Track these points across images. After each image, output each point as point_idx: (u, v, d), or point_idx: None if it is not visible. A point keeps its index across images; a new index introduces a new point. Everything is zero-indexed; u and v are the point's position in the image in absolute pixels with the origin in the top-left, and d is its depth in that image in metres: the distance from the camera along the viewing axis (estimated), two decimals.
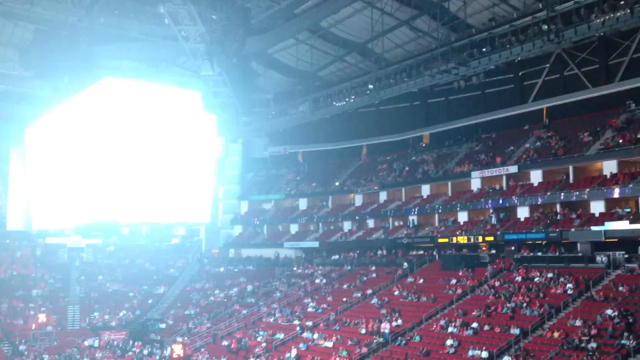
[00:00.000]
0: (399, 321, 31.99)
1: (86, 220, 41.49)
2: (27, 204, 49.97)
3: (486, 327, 28.53)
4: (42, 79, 46.32)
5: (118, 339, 41.17)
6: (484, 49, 34.81)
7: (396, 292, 36.07)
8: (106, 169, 40.30)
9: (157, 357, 36.97)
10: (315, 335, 33.74)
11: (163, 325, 43.26)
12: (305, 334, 34.37)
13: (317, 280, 43.14)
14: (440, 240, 40.03)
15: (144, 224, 53.42)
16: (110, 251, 55.58)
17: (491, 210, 38.69)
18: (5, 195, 53.89)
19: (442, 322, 30.27)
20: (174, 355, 31.82)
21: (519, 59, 36.29)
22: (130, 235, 58.41)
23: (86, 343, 39.97)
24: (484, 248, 38.07)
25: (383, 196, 48.61)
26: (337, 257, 46.94)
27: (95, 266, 51.93)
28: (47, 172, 46.43)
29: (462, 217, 41.01)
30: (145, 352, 38.11)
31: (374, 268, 41.94)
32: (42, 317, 39.15)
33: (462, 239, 38.19)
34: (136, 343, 40.26)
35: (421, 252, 42.05)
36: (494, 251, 37.67)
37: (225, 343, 36.66)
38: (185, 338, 38.02)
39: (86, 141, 39.77)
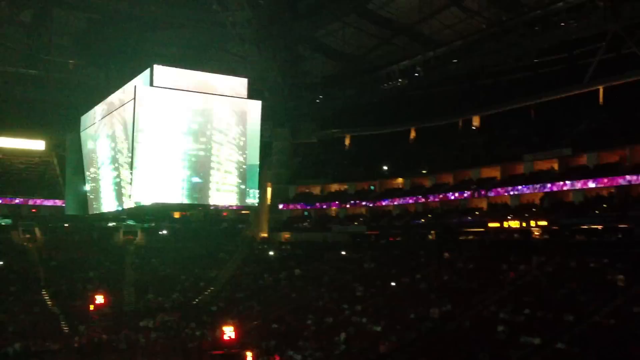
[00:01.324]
0: (449, 306, 31.69)
1: (139, 205, 42.66)
2: (83, 190, 51.65)
3: (539, 313, 27.97)
4: (96, 67, 47.64)
5: (171, 320, 42.26)
6: (536, 28, 33.74)
7: (445, 277, 35.73)
8: (156, 154, 41.20)
9: (209, 338, 37.74)
10: (364, 320, 33.79)
11: (214, 308, 44.16)
12: (354, 318, 34.46)
13: (366, 265, 43.12)
14: (490, 224, 39.36)
15: (195, 209, 54.68)
16: (162, 235, 56.96)
17: (544, 194, 37.75)
18: (64, 181, 55.72)
19: (492, 308, 29.85)
20: (225, 337, 32.33)
21: (573, 37, 35.00)
22: (182, 220, 59.97)
23: (141, 324, 41.16)
24: (536, 233, 37.22)
25: (431, 180, 48.07)
26: (385, 241, 46.78)
27: (148, 250, 53.28)
28: (101, 158, 47.84)
29: (514, 201, 40.17)
30: (198, 333, 38.97)
31: (422, 252, 41.60)
32: (99, 299, 40.40)
33: (514, 224, 37.47)
34: (188, 324, 41.24)
35: (471, 236, 41.46)
36: (546, 236, 36.79)
37: (274, 326, 37.14)
38: (236, 320, 38.64)
39: (137, 128, 40.69)
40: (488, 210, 41.57)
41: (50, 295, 43.27)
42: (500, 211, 40.19)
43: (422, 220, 45.98)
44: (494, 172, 43.50)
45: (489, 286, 32.55)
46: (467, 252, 38.85)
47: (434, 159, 49.13)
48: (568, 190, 36.84)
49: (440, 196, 45.50)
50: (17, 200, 54.17)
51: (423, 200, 47.11)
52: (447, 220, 43.48)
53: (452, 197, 44.56)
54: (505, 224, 38.03)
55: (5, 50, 47.52)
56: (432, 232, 44.49)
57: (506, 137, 45.26)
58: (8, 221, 52.13)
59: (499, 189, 41.36)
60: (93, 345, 37.07)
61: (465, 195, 43.45)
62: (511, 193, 40.37)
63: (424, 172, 48.50)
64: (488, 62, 38.51)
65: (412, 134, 54.38)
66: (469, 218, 42.21)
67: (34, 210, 55.19)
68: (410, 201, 48.23)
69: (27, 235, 50.30)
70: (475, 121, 50.09)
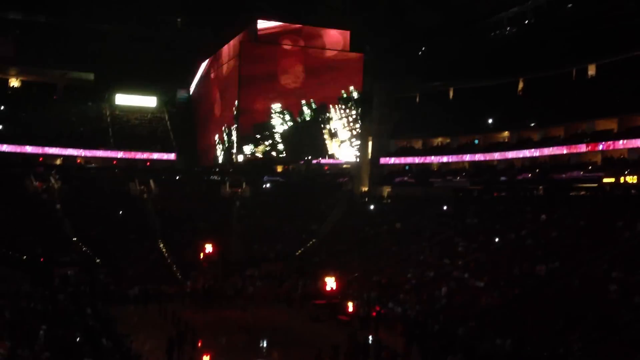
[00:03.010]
0: (556, 264, 30.45)
1: (245, 159, 44.11)
2: (192, 144, 54.16)
3: None
4: (200, 27, 48.99)
5: (275, 269, 43.76)
6: None
7: (554, 234, 34.26)
8: (259, 110, 42.18)
9: (311, 288, 38.72)
10: (466, 275, 33.29)
11: (316, 259, 45.17)
12: (456, 273, 34.03)
13: (468, 220, 42.23)
14: (605, 180, 37.12)
15: (297, 163, 55.74)
16: (266, 188, 58.56)
17: None
18: (174, 136, 58.53)
19: (605, 267, 28.34)
20: (327, 288, 33.07)
21: None
22: (284, 174, 61.37)
23: (247, 272, 42.97)
24: None
25: (540, 133, 45.84)
26: (488, 196, 45.49)
27: (253, 202, 55.00)
28: (209, 114, 49.73)
29: (632, 155, 37.50)
30: (300, 283, 40.13)
31: (529, 208, 40.04)
32: (208, 248, 42.37)
33: (631, 179, 35.11)
34: (291, 274, 42.53)
35: (583, 192, 39.35)
36: None
37: (375, 278, 37.48)
38: (338, 272, 39.34)
39: (242, 83, 41.71)
40: (602, 165, 39.15)
41: (164, 243, 45.98)
42: (617, 166, 37.71)
43: (529, 175, 44.14)
44: (611, 125, 40.74)
45: (601, 244, 30.85)
46: (578, 208, 36.91)
47: (543, 111, 46.67)
48: None
49: (550, 150, 43.35)
50: (133, 154, 57.43)
51: (530, 154, 45.14)
52: (557, 175, 41.44)
53: (563, 151, 42.35)
54: (622, 180, 35.66)
55: (119, 10, 49.85)
56: (540, 187, 42.65)
57: (625, 86, 41.99)
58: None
59: (616, 142, 38.73)
60: (203, 291, 39.32)
61: (578, 148, 41.10)
62: (629, 146, 37.72)
63: (532, 125, 46.29)
64: (605, 6, 35.57)
65: (520, 86, 51.85)
66: (581, 173, 40.01)
67: (148, 164, 58.44)
68: (517, 155, 46.37)
69: (143, 187, 53.25)
70: (591, 70, 46.84)
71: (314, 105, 44.66)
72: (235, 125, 49.14)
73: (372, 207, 52.05)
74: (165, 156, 57.80)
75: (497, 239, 36.42)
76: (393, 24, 51.17)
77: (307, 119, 45.53)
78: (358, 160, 52.46)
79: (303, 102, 45.55)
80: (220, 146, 50.91)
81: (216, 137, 49.80)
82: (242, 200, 54.54)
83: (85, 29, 50.50)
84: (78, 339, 21.33)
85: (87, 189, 51.15)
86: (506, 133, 49.19)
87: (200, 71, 51.01)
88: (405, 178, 54.60)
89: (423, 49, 51.63)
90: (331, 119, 47.21)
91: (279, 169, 60.87)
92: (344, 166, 59.22)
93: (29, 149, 52.93)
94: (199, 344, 25.84)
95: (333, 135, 48.81)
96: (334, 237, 48.76)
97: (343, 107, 47.06)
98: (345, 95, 46.10)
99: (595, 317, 24.19)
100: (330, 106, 47.25)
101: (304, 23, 43.74)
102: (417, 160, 54.77)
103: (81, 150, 55.80)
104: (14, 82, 59.00)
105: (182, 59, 53.44)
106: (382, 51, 51.73)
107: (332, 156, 47.68)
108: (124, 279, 39.62)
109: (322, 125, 46.96)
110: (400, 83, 57.47)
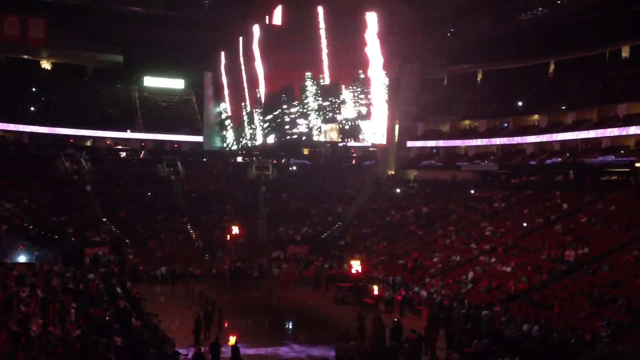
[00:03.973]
0: (586, 249, 30.02)
1: (271, 141, 44.25)
2: (219, 126, 54.44)
3: None
4: (230, 7, 48.93)
5: (301, 252, 44.02)
6: None
7: (584, 219, 33.74)
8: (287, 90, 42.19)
9: (337, 271, 38.89)
10: (493, 259, 33.04)
11: (342, 242, 45.30)
12: (483, 258, 33.82)
13: (496, 204, 41.82)
14: (637, 164, 36.34)
15: (324, 145, 55.67)
16: (292, 171, 58.75)
17: None
18: (201, 118, 58.88)
19: (635, 253, 27.85)
20: (352, 271, 33.16)
21: None
22: (311, 156, 61.39)
23: (273, 254, 43.31)
24: None
25: (571, 117, 45.01)
26: (517, 180, 44.93)
27: (279, 184, 55.26)
28: (236, 96, 49.95)
29: None
30: (326, 265, 40.30)
31: (558, 193, 39.47)
32: (235, 229, 42.79)
33: None
34: (317, 257, 42.75)
35: (614, 177, 38.60)
36: None
37: (401, 262, 37.47)
38: (363, 255, 39.42)
39: (267, 63, 41.74)
40: (635, 149, 38.30)
41: (191, 224, 46.54)
42: None
43: (559, 159, 43.44)
44: None
45: (633, 230, 30.30)
46: (609, 193, 36.23)
47: (575, 94, 45.77)
48: None
49: (582, 133, 42.56)
50: (161, 136, 58.01)
51: (561, 137, 44.37)
52: (588, 159, 40.69)
53: (595, 135, 41.55)
54: None
55: None
56: (571, 171, 41.95)
57: None
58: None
59: None
60: (230, 272, 39.79)
61: (610, 132, 40.26)
62: None
63: (563, 107, 45.44)
64: None
65: (552, 68, 50.86)
66: (613, 157, 39.21)
67: (175, 146, 59.00)
68: (547, 139, 45.61)
69: (170, 169, 53.88)
70: (625, 52, 45.71)
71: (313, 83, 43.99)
72: (259, 110, 49.15)
73: (398, 190, 51.84)
74: (192, 138, 58.25)
75: (525, 224, 36.01)
76: (421, 5, 50.41)
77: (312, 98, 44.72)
78: (385, 143, 52.10)
79: (308, 75, 44.74)
80: (249, 128, 50.97)
81: (244, 117, 49.92)
82: (268, 183, 54.80)
83: (114, 10, 50.82)
84: (108, 318, 21.74)
85: (116, 170, 51.89)
86: (536, 116, 48.39)
87: (227, 53, 51.08)
88: (432, 161, 54.21)
89: (452, 30, 50.75)
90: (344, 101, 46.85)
91: (305, 151, 60.90)
92: (371, 149, 58.98)
93: (60, 130, 53.81)
94: (226, 325, 26.18)
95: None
96: (360, 220, 48.78)
97: (359, 87, 46.49)
98: (362, 76, 45.64)
99: (624, 303, 23.87)
100: (342, 86, 46.87)
101: (327, 5, 43.48)
102: (444, 143, 54.26)
103: (111, 132, 56.55)
104: (45, 64, 59.90)
105: (209, 41, 53.49)
106: (410, 33, 51.05)
107: (358, 138, 47.38)
108: (152, 259, 40.29)
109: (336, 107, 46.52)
110: (428, 65, 56.85)
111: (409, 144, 56.11)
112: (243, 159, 59.42)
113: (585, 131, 42.66)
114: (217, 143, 55.18)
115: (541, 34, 48.58)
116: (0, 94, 53.33)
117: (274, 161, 58.38)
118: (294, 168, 59.21)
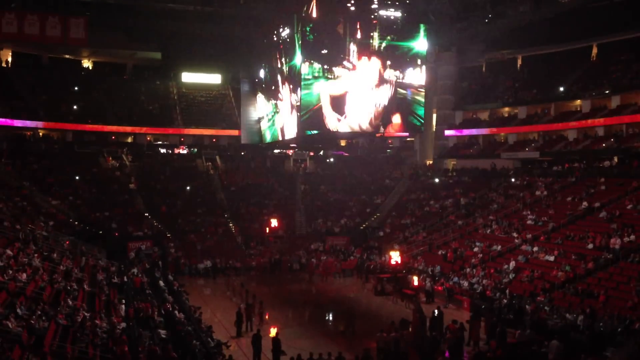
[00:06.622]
0: (632, 237, 29.21)
1: (308, 134, 44.27)
2: (257, 120, 54.69)
3: None
4: (265, 1, 49.00)
5: (340, 244, 44.09)
6: None
7: (630, 206, 32.81)
8: (322, 84, 42.11)
9: (376, 262, 38.83)
10: (535, 248, 32.45)
11: (381, 233, 45.17)
12: (525, 247, 33.24)
13: (537, 192, 41.00)
14: None
15: (360, 136, 55.43)
16: (330, 163, 58.74)
17: None
18: (239, 113, 59.27)
19: None
20: (392, 262, 33.04)
21: None
22: (348, 147, 61.25)
23: (312, 246, 43.49)
24: None
25: (615, 101, 43.72)
26: (559, 168, 43.95)
27: (317, 177, 55.34)
28: (272, 90, 50.07)
29: None
30: (365, 257, 40.27)
31: (602, 180, 38.45)
32: (274, 222, 43.05)
33: None
34: (356, 248, 42.74)
35: None
36: None
37: (441, 252, 37.16)
38: (403, 246, 39.26)
39: (303, 59, 41.72)
40: None
41: (231, 218, 47.06)
42: None
43: (603, 144, 42.30)
44: None
45: None
46: None
47: (619, 77, 44.42)
48: None
49: (626, 118, 41.32)
50: (199, 131, 58.70)
51: (605, 122, 43.17)
52: (634, 145, 39.49)
53: None
54: None
55: None
56: (615, 157, 40.81)
57: None
58: (194, 150, 56.98)
59: None
60: (269, 264, 40.15)
61: None
62: None
63: (607, 92, 44.18)
64: None
65: (594, 51, 49.46)
66: None
67: (214, 140, 59.63)
68: (590, 124, 44.44)
69: (209, 163, 54.50)
70: None
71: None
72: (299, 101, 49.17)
73: (437, 180, 51.34)
74: (230, 132, 58.77)
75: (568, 212, 35.25)
76: None
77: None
78: (422, 132, 51.63)
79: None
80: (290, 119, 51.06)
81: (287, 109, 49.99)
82: (306, 175, 54.94)
83: (151, 8, 51.51)
84: (152, 311, 22.23)
85: (157, 166, 52.78)
86: (578, 102, 47.18)
87: (265, 47, 51.23)
88: (471, 150, 53.47)
89: (489, 15, 49.74)
90: None
91: (343, 143, 60.79)
92: (408, 139, 58.50)
93: (102, 127, 55.00)
94: (267, 316, 26.46)
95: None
96: (398, 210, 48.53)
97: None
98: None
99: None
100: None
101: None
102: (483, 131, 53.41)
103: (150, 128, 57.50)
104: (87, 63, 61.22)
105: (246, 36, 53.75)
106: (446, 19, 50.25)
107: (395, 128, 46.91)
108: (193, 252, 40.93)
109: None
110: (466, 52, 55.96)
111: (447, 133, 55.44)
112: (281, 152, 59.65)
113: (630, 115, 41.43)
114: (256, 137, 55.40)
115: (582, 17, 47.14)
116: (44, 94, 54.73)
117: (312, 153, 58.44)
118: (332, 160, 59.20)
